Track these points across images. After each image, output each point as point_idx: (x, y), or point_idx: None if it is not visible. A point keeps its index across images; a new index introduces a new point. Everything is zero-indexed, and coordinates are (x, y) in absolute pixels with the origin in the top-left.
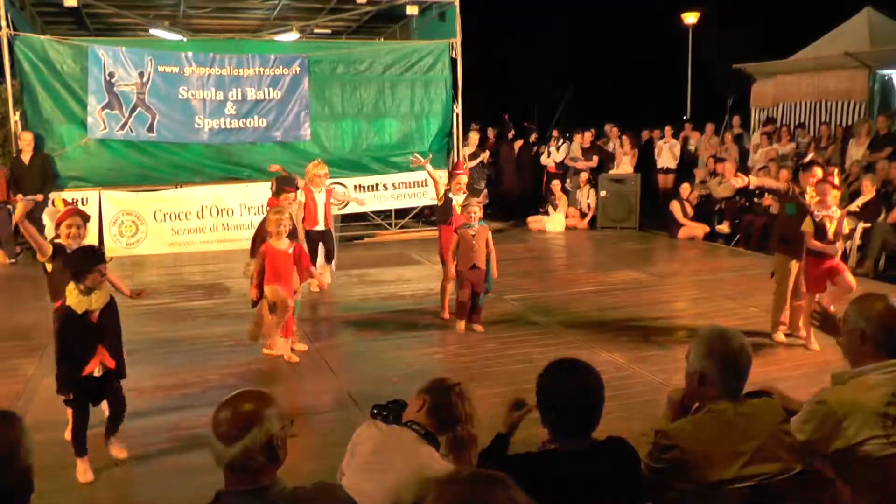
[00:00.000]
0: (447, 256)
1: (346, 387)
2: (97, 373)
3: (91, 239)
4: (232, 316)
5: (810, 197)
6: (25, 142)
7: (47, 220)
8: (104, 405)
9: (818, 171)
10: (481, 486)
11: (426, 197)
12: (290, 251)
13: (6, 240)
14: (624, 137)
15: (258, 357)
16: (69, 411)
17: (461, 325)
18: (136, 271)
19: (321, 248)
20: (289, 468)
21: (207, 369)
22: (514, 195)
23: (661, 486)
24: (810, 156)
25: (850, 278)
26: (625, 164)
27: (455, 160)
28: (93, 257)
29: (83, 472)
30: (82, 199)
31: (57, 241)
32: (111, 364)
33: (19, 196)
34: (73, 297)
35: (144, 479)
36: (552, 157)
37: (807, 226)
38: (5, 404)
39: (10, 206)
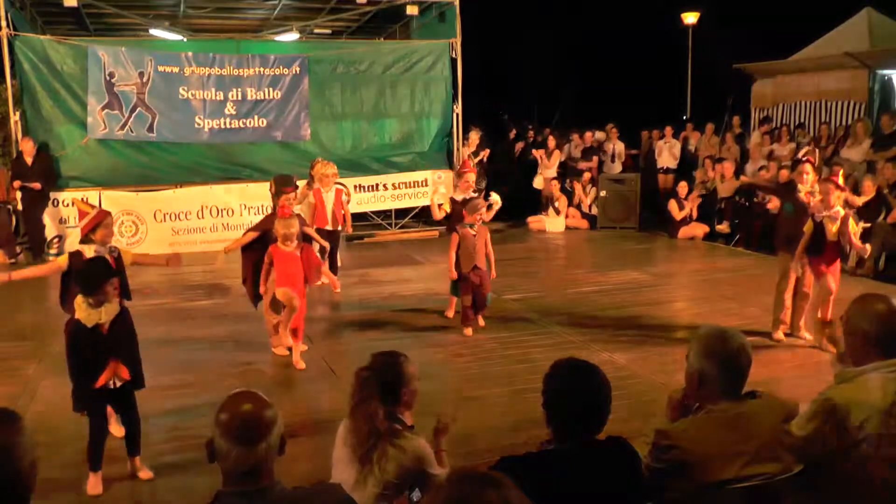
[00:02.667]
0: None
1: (345, 387)
2: (113, 384)
3: None
4: (232, 316)
5: (805, 193)
6: (27, 151)
7: (47, 219)
8: (115, 430)
9: (808, 168)
10: (472, 486)
11: (426, 197)
12: (298, 252)
13: (6, 240)
14: (550, 136)
15: (258, 357)
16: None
17: (468, 331)
18: (137, 271)
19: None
20: (289, 468)
21: (207, 369)
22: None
23: (662, 487)
24: (805, 150)
25: (832, 284)
26: (546, 169)
27: (463, 159)
28: (102, 272)
29: (94, 485)
30: (82, 199)
31: (81, 246)
32: (126, 375)
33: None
34: (82, 310)
35: (144, 479)
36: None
37: (807, 227)
38: (5, 404)
39: (9, 206)
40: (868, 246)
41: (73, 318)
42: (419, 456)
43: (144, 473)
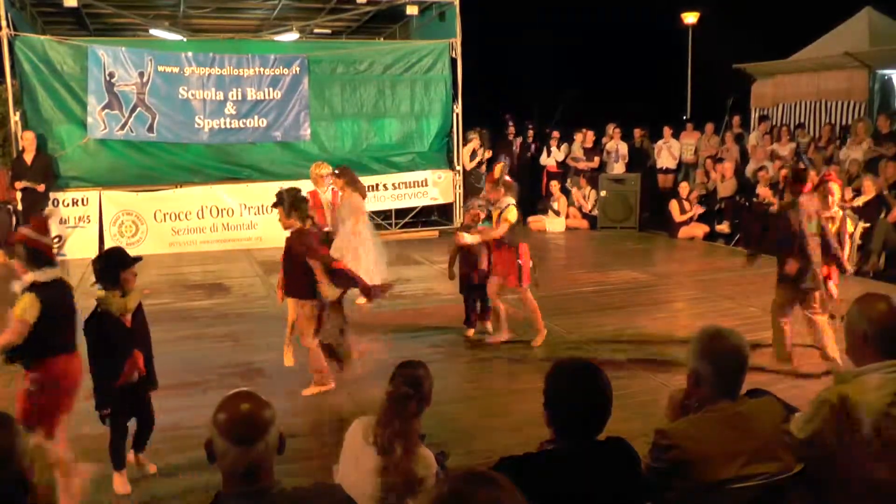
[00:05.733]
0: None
1: (345, 386)
2: (135, 378)
3: (91, 239)
4: (232, 316)
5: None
6: (28, 141)
7: None
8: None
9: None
10: (468, 485)
11: (426, 197)
12: None
13: (6, 240)
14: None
15: (258, 357)
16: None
17: (471, 332)
18: (137, 271)
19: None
20: (288, 468)
21: (207, 369)
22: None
23: (662, 486)
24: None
25: (833, 290)
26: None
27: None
28: (119, 262)
29: (121, 484)
30: (82, 199)
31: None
32: (144, 370)
33: None
34: (106, 301)
35: (143, 478)
36: (553, 156)
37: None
38: (5, 404)
39: (10, 206)
40: (848, 265)
41: (94, 313)
42: (430, 464)
43: (150, 467)
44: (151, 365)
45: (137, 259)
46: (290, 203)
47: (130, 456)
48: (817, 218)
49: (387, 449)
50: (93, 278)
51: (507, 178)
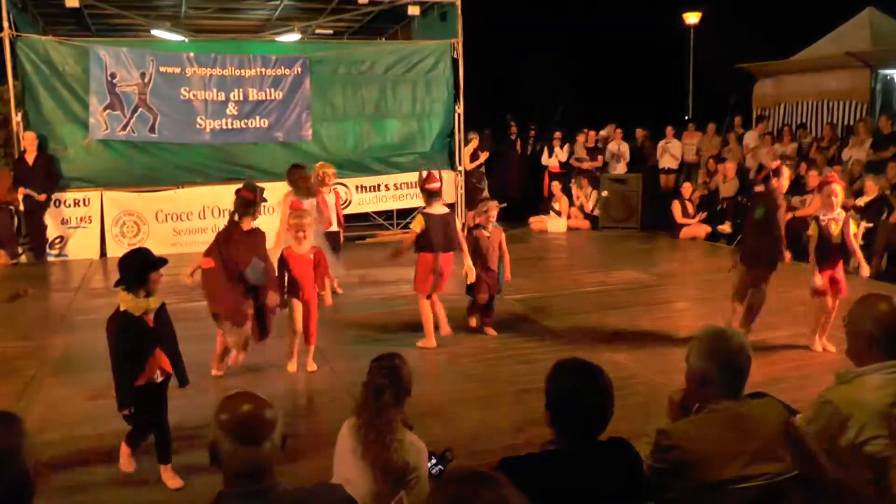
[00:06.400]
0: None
1: (345, 387)
2: (157, 378)
3: (92, 239)
4: None
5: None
6: (29, 141)
7: (49, 220)
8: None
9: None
10: (470, 486)
11: None
12: (311, 256)
13: (8, 240)
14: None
15: (258, 357)
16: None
17: (473, 320)
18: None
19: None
20: (289, 468)
21: (208, 370)
22: (516, 195)
23: (663, 487)
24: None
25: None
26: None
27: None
28: (146, 263)
29: (126, 458)
30: (84, 200)
31: None
32: (168, 368)
33: None
34: (128, 300)
35: (144, 478)
36: (555, 156)
37: (811, 230)
38: (6, 404)
39: (11, 207)
40: (867, 267)
41: (116, 313)
42: (420, 452)
43: (174, 482)
44: (181, 363)
45: (164, 261)
46: (235, 199)
47: (126, 459)
48: (763, 206)
49: (364, 440)
50: (95, 278)
51: (432, 185)
